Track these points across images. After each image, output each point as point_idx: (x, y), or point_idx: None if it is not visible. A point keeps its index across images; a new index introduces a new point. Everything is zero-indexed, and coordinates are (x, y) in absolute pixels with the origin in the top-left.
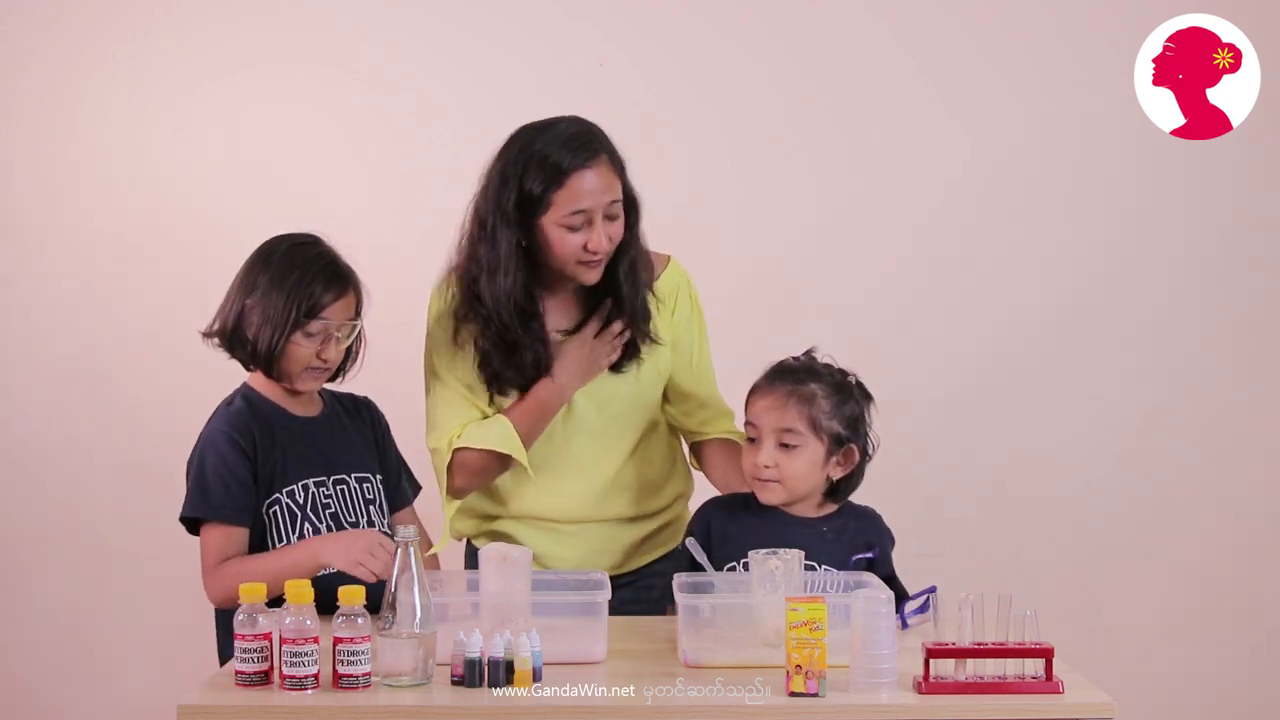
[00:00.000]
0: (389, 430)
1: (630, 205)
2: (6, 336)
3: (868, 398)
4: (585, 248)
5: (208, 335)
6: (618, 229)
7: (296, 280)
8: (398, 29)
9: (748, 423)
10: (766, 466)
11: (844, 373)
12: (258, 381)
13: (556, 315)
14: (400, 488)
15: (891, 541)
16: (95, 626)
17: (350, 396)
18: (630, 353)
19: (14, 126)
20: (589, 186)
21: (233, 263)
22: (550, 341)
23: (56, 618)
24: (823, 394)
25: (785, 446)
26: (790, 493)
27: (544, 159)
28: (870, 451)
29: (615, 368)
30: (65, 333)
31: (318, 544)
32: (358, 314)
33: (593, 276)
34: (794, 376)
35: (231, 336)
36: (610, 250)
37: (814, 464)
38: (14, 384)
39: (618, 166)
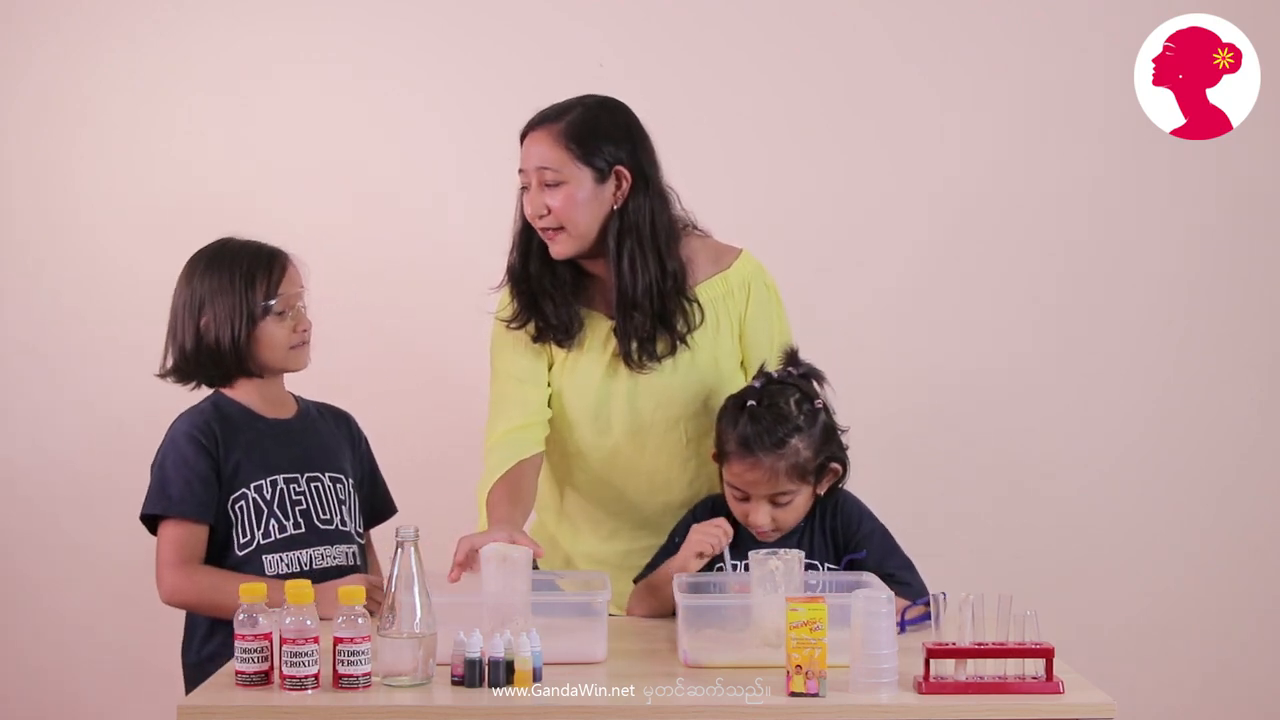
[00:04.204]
0: (369, 448)
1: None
2: (6, 340)
3: (820, 379)
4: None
5: (163, 375)
6: (557, 198)
7: (236, 273)
8: (397, 31)
9: (731, 484)
10: (764, 524)
11: (802, 391)
12: (229, 389)
13: (602, 304)
14: (378, 508)
15: (866, 512)
16: (96, 628)
17: (329, 407)
18: (647, 349)
19: (14, 127)
20: (525, 151)
21: None
22: (567, 301)
23: (58, 619)
24: (802, 444)
25: (779, 504)
26: (788, 530)
27: None
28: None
29: (634, 364)
30: (65, 337)
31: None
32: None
33: (553, 248)
34: (769, 436)
35: (200, 358)
36: (549, 220)
37: (807, 500)
38: (14, 386)
39: (570, 137)
